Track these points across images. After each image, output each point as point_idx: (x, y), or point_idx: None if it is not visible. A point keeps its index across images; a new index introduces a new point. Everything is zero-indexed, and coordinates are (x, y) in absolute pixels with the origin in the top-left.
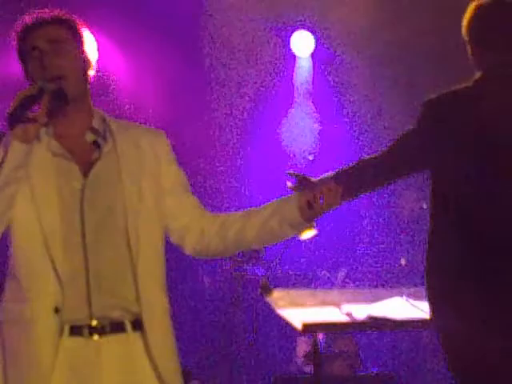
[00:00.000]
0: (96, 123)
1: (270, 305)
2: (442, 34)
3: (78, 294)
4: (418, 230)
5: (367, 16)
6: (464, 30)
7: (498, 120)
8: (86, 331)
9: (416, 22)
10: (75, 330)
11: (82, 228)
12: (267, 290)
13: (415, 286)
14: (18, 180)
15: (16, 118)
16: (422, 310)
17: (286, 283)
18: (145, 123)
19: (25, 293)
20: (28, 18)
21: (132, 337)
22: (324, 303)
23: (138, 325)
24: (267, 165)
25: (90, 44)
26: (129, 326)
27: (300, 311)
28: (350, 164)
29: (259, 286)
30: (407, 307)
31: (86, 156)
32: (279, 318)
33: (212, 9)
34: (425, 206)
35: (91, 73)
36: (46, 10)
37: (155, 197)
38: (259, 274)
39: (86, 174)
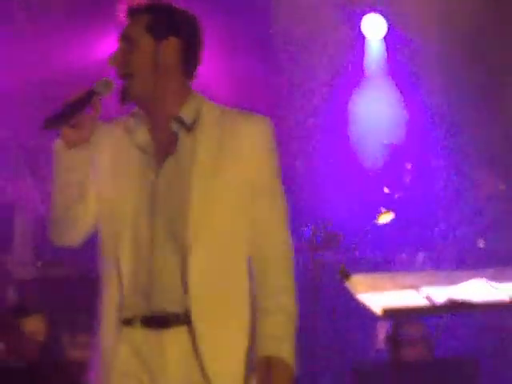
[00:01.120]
0: (185, 112)
1: (349, 290)
2: None
3: (141, 290)
4: (495, 212)
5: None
6: None
7: None
8: (149, 324)
9: (493, 10)
10: (141, 323)
11: (151, 224)
12: (346, 276)
13: (493, 267)
14: (75, 182)
15: (49, 126)
16: (502, 292)
17: (366, 268)
18: None
19: (102, 286)
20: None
21: (191, 328)
22: (403, 286)
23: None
24: (341, 150)
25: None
26: (185, 319)
27: (379, 296)
28: None
29: (338, 272)
30: (487, 289)
31: (165, 147)
32: (358, 303)
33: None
34: (502, 188)
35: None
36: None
37: (236, 195)
38: (338, 259)
39: (160, 165)
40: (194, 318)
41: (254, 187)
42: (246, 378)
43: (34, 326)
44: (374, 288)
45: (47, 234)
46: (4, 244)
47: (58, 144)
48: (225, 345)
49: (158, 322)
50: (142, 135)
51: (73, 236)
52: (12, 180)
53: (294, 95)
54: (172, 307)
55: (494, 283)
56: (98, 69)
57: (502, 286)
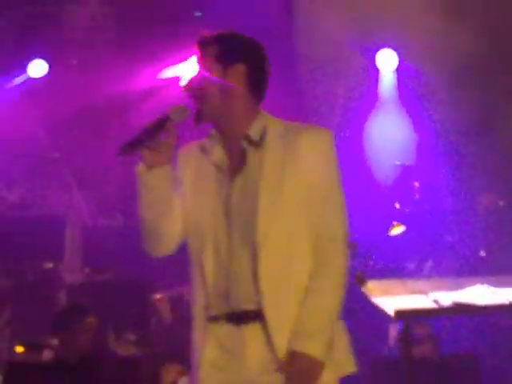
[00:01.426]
0: (253, 130)
1: (365, 294)
2: None
3: (222, 290)
4: (496, 225)
5: (445, 33)
6: None
7: None
8: (230, 320)
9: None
10: (223, 319)
11: (228, 231)
12: (362, 281)
13: (494, 274)
14: (158, 200)
15: (126, 151)
16: (502, 296)
17: (379, 275)
18: None
19: (192, 288)
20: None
21: (266, 324)
22: (413, 291)
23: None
24: (358, 169)
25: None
26: (261, 316)
27: (392, 299)
28: None
29: (355, 278)
30: (488, 294)
31: (236, 163)
32: (373, 306)
33: (303, 30)
34: (501, 204)
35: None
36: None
37: (301, 202)
38: (355, 267)
39: (232, 181)
40: (265, 313)
41: (315, 193)
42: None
43: (87, 325)
44: (387, 292)
45: (94, 243)
46: (56, 253)
47: (140, 166)
48: (286, 333)
49: (237, 318)
50: (218, 154)
51: (164, 247)
52: (62, 195)
53: (312, 118)
54: (247, 305)
55: (494, 289)
56: (139, 96)
57: (502, 291)
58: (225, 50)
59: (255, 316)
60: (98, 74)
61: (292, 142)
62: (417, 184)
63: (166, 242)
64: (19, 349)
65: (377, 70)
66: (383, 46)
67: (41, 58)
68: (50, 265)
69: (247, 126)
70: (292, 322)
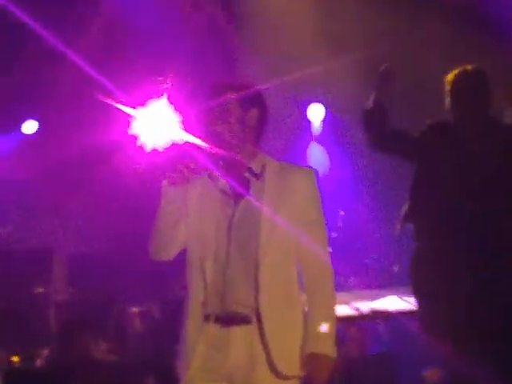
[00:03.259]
0: (254, 165)
1: None
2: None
3: (217, 294)
4: (406, 245)
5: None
6: (446, 88)
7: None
8: (221, 321)
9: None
10: (215, 320)
11: (228, 244)
12: None
13: (405, 286)
14: (173, 211)
15: (166, 172)
16: (410, 303)
17: None
18: None
19: (188, 293)
20: None
21: (256, 327)
22: (338, 302)
23: (258, 319)
24: None
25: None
26: (254, 320)
27: None
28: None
29: None
30: (399, 302)
31: (240, 190)
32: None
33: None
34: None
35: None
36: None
37: (292, 225)
38: None
39: (236, 204)
40: (263, 317)
41: (305, 221)
42: (301, 368)
43: (82, 340)
44: None
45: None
46: (45, 276)
47: (165, 183)
48: (287, 340)
49: (228, 319)
50: (222, 181)
51: (168, 253)
52: (50, 228)
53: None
54: (238, 308)
55: (404, 297)
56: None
57: (410, 299)
58: (246, 97)
59: (244, 319)
60: (81, 129)
61: (287, 178)
62: (342, 213)
63: (171, 249)
64: (15, 358)
65: (308, 121)
66: (313, 101)
67: (32, 118)
68: (40, 289)
69: (250, 161)
70: (284, 327)
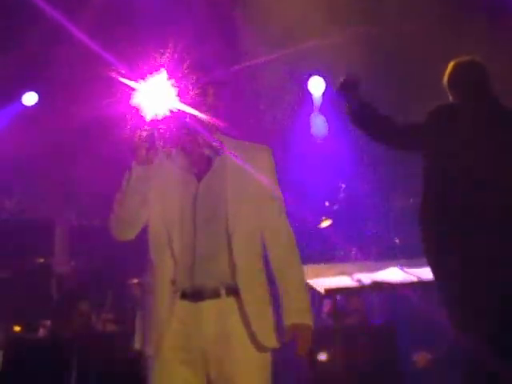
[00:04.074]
0: (212, 141)
1: None
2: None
3: (187, 270)
4: (407, 218)
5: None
6: (445, 81)
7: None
8: (191, 296)
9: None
10: (184, 295)
11: (194, 220)
12: None
13: (406, 258)
14: (141, 190)
15: (135, 150)
16: (411, 275)
17: (312, 260)
18: None
19: (154, 269)
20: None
21: (226, 301)
22: (340, 273)
23: (232, 291)
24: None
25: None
26: (223, 293)
27: (323, 280)
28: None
29: None
30: (400, 273)
31: (202, 167)
32: (308, 286)
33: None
34: (411, 201)
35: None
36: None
37: (254, 199)
38: None
39: (199, 181)
40: (241, 290)
41: (265, 192)
42: (278, 339)
43: (81, 310)
44: (319, 275)
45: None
46: (48, 249)
47: (134, 162)
48: (261, 306)
49: (198, 294)
50: (181, 158)
51: (132, 232)
52: (53, 201)
53: (258, 122)
54: (210, 283)
55: (405, 269)
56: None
57: (411, 271)
58: (208, 77)
59: (214, 293)
60: (81, 102)
61: (246, 154)
62: (343, 185)
63: (137, 228)
64: (16, 328)
65: (309, 94)
66: (313, 74)
67: (32, 90)
68: (41, 260)
69: (210, 139)
70: (259, 299)
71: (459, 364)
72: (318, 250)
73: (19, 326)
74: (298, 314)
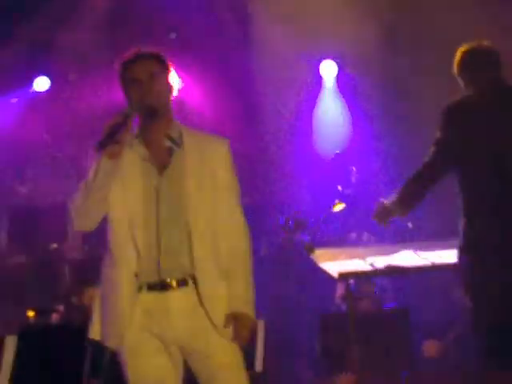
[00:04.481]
0: (172, 132)
1: (313, 260)
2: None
3: (152, 262)
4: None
5: (376, 46)
6: (455, 68)
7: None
8: (157, 288)
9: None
10: (150, 288)
11: (157, 213)
12: (311, 250)
13: (418, 241)
14: (109, 184)
15: (105, 145)
16: (425, 259)
17: (325, 244)
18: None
19: (115, 261)
20: (129, 54)
21: (192, 291)
22: (353, 257)
23: (193, 281)
24: (307, 159)
25: (173, 74)
26: (190, 283)
27: (336, 264)
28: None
29: (305, 248)
30: (414, 257)
31: (163, 159)
32: (321, 270)
33: (258, 46)
34: None
35: (173, 95)
36: (142, 49)
37: (212, 191)
38: (305, 239)
39: (161, 173)
40: (198, 282)
41: (222, 184)
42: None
43: (92, 293)
44: (332, 258)
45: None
46: (61, 235)
47: (104, 156)
48: (219, 297)
49: (164, 286)
50: (142, 149)
51: (93, 224)
52: (65, 186)
53: (268, 110)
54: (176, 274)
55: (418, 252)
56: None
57: (424, 255)
58: (166, 65)
59: (181, 282)
60: (92, 88)
61: (205, 146)
62: (354, 168)
63: (97, 220)
64: (30, 313)
65: (320, 78)
66: (325, 57)
67: (44, 74)
68: (54, 245)
69: (169, 129)
70: (216, 287)
71: (472, 350)
72: (331, 233)
73: (33, 311)
74: (241, 304)
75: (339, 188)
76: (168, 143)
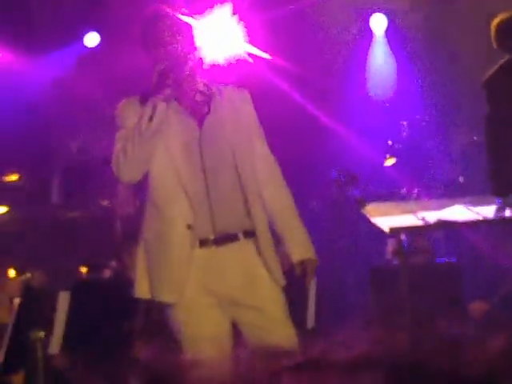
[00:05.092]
0: (201, 87)
1: (365, 215)
2: None
3: (204, 215)
4: (471, 156)
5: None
6: (493, 34)
7: None
8: (210, 243)
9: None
10: (203, 243)
11: (202, 164)
12: (362, 204)
13: (470, 196)
14: (161, 130)
15: (160, 88)
16: (476, 214)
17: (376, 199)
18: None
19: (163, 215)
20: (151, 14)
21: (244, 244)
22: (404, 212)
23: (249, 235)
24: (357, 113)
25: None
26: (241, 236)
27: (387, 219)
28: None
29: (357, 202)
30: (465, 212)
31: (198, 111)
32: (372, 225)
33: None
34: (475, 138)
35: (197, 54)
36: (165, 8)
37: (248, 137)
38: (356, 193)
39: (200, 125)
40: (257, 226)
41: (255, 131)
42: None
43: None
44: (384, 213)
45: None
46: (112, 191)
47: (159, 100)
48: (272, 248)
49: (219, 240)
50: (176, 106)
51: (141, 174)
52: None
53: (320, 59)
54: (231, 227)
55: (470, 207)
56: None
57: (476, 209)
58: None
59: (234, 237)
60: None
61: (233, 97)
62: (404, 123)
63: (144, 170)
64: (83, 269)
65: (370, 32)
66: (375, 11)
67: (94, 30)
68: (106, 201)
69: (197, 83)
70: (270, 241)
71: None
72: (383, 188)
73: (85, 266)
74: (304, 250)
75: (390, 143)
76: (200, 97)
